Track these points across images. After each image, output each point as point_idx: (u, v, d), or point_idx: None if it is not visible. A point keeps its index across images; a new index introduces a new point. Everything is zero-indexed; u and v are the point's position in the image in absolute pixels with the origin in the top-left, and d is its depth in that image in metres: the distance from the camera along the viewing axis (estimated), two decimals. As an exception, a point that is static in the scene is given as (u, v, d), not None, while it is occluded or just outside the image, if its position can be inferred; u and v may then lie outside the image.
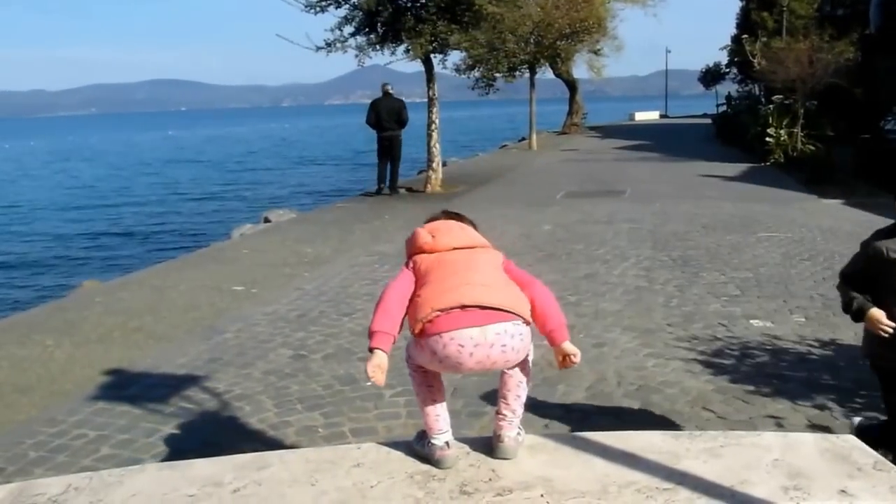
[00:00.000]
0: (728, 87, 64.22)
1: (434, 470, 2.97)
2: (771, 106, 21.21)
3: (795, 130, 19.85)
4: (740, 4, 49.56)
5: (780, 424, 4.70)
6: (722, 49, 48.95)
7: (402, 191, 17.60)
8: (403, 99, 17.44)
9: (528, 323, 2.98)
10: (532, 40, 27.31)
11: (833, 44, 19.44)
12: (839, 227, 11.43)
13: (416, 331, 3.02)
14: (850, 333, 6.43)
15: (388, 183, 17.31)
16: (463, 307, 2.92)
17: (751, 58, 24.62)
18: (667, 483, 2.85)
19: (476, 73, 27.99)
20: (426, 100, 17.55)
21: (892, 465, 3.28)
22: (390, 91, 16.97)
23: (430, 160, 17.71)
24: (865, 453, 3.30)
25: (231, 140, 79.69)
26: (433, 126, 17.55)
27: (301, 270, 9.61)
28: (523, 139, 35.39)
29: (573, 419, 4.86)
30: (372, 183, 18.21)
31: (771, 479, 2.91)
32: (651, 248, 10.05)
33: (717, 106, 38.84)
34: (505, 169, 22.39)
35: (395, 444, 3.25)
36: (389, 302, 3.11)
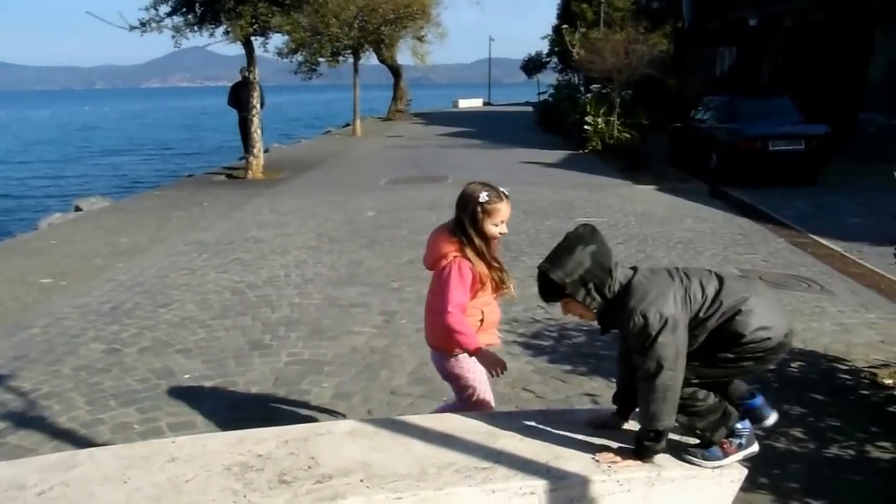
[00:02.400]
0: (549, 76, 66.51)
1: (252, 461, 2.91)
2: (589, 95, 22.06)
3: (612, 119, 20.76)
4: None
5: (595, 402, 4.92)
6: (543, 38, 50.41)
7: (223, 177, 17.21)
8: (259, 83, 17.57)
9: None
10: (356, 25, 27.17)
11: (648, 35, 20.38)
12: (652, 211, 12.06)
13: None
14: (657, 312, 6.82)
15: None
16: None
17: (570, 48, 25.49)
18: (485, 462, 2.93)
19: (299, 57, 27.55)
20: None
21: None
22: (247, 75, 17.30)
23: (251, 145, 17.30)
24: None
25: (29, 125, 73.92)
26: (254, 111, 17.16)
27: (115, 261, 9.18)
28: (347, 125, 35.19)
29: (398, 404, 4.91)
30: (189, 170, 17.67)
31: (583, 453, 3.04)
32: (473, 233, 10.23)
33: (539, 94, 39.96)
34: (329, 155, 22.22)
35: (211, 437, 3.17)
36: None
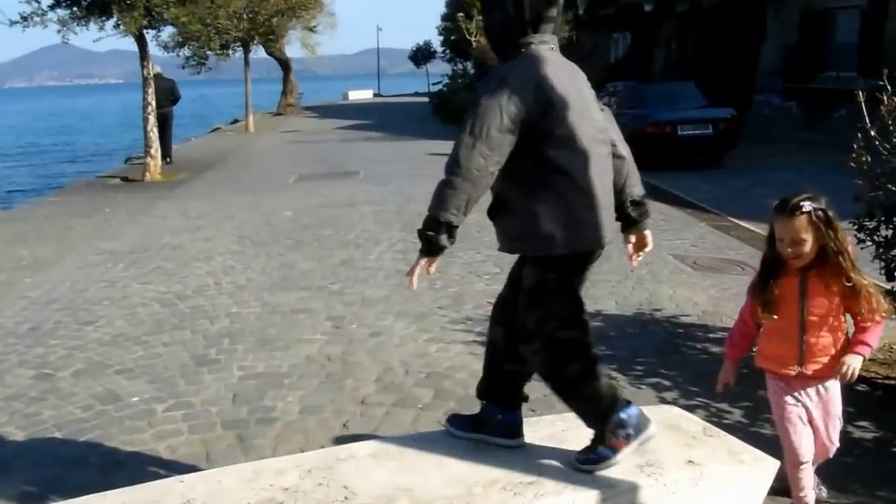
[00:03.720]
0: (438, 66, 66.52)
1: (279, 496, 2.63)
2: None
3: (512, 108, 20.72)
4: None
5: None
6: (438, 27, 50.27)
7: (118, 180, 16.51)
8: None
9: None
10: (245, 16, 26.29)
11: None
12: (569, 199, 12.04)
13: None
14: (612, 303, 6.76)
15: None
16: None
17: (468, 35, 25.39)
18: (528, 476, 2.79)
19: (186, 51, 26.49)
20: (141, 80, 16.35)
21: (717, 429, 3.40)
22: (160, 72, 17.74)
23: (147, 146, 16.55)
24: (692, 421, 3.40)
25: None
26: (149, 108, 16.44)
27: (20, 276, 8.55)
28: (236, 121, 34.31)
29: (374, 415, 4.65)
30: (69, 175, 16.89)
31: (628, 457, 2.91)
32: (401, 229, 10.00)
33: (433, 85, 39.88)
34: (226, 153, 21.53)
35: (221, 472, 2.87)
36: None
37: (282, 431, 4.44)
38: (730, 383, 3.63)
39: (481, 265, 8.14)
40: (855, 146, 4.94)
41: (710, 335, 5.91)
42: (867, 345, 3.22)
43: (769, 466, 3.07)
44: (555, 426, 3.22)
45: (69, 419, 4.74)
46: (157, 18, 15.67)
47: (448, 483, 2.71)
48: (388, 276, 7.82)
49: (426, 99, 43.39)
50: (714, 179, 13.91)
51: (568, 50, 22.02)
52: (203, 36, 24.42)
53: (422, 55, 67.80)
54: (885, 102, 4.71)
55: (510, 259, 7.99)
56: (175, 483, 2.76)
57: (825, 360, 3.27)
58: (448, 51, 57.19)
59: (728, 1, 22.16)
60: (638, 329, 6.08)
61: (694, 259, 8.32)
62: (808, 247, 3.18)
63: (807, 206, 3.15)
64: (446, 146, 15.07)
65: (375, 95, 64.45)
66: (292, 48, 40.31)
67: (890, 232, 4.83)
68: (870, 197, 4.82)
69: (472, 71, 43.71)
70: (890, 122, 4.73)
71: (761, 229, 9.75)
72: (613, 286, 7.26)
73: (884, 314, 3.20)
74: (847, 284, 3.17)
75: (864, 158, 4.78)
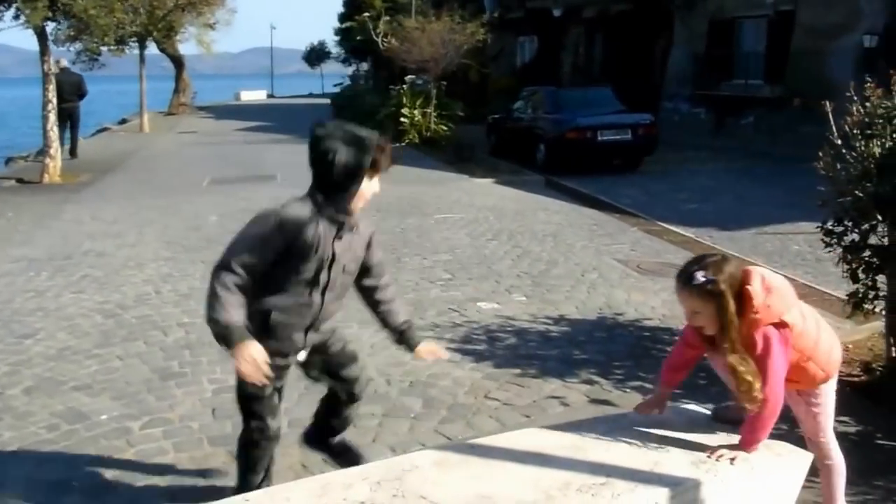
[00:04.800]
0: (332, 67, 65.97)
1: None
2: (404, 86, 21.84)
3: (429, 111, 20.67)
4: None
5: (565, 404, 4.76)
6: (344, 25, 49.69)
7: (13, 182, 15.68)
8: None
9: None
10: (143, 10, 25.30)
11: (466, 25, 20.36)
12: (503, 205, 12.08)
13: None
14: (572, 308, 6.77)
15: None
16: None
17: (374, 36, 25.16)
18: (598, 477, 2.80)
19: (78, 46, 25.33)
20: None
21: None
22: (67, 66, 17.69)
23: (46, 146, 15.73)
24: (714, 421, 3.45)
25: None
26: (49, 106, 15.61)
27: (-68, 286, 7.98)
28: (124, 121, 33.12)
29: (367, 426, 4.51)
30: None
31: (671, 454, 2.97)
32: (337, 234, 9.80)
33: (335, 86, 39.48)
34: (125, 154, 20.65)
35: (285, 489, 2.71)
36: None
37: (286, 444, 4.23)
38: (658, 411, 3.39)
39: (431, 271, 8.04)
40: (821, 153, 5.09)
41: (677, 338, 5.94)
42: (747, 442, 3.02)
43: (804, 458, 3.16)
44: (593, 429, 3.18)
45: (35, 440, 4.42)
46: (62, 10, 14.90)
47: (523, 488, 2.64)
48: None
49: (325, 101, 42.96)
50: (634, 184, 14.18)
51: (477, 53, 22.13)
52: (96, 30, 23.49)
53: (316, 56, 67.22)
54: (854, 112, 4.85)
55: (459, 265, 7.97)
56: (241, 502, 2.58)
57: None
58: (344, 52, 56.92)
59: (636, 8, 22.68)
60: (606, 333, 6.10)
61: (638, 263, 8.43)
62: (706, 319, 3.01)
63: (699, 277, 2.96)
64: None
65: (269, 96, 63.28)
66: (185, 45, 38.85)
67: (856, 236, 4.98)
68: (837, 203, 4.95)
69: (365, 72, 43.62)
70: (855, 130, 4.87)
71: (690, 233, 10.03)
72: (569, 291, 7.28)
73: (756, 406, 2.97)
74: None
75: (835, 166, 4.90)
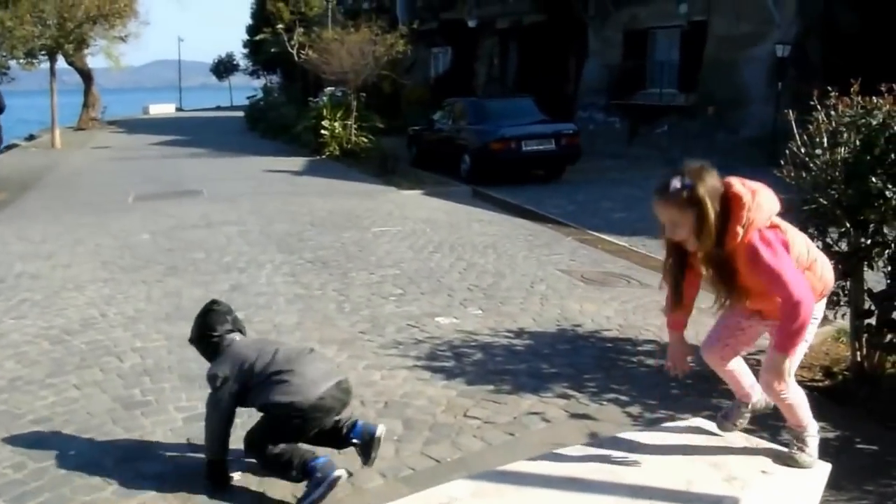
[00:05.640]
0: (240, 80, 65.10)
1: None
2: (324, 98, 21.70)
3: (350, 123, 20.58)
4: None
5: (546, 420, 4.79)
6: (251, 39, 49.04)
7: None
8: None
9: None
10: (53, 23, 24.50)
11: (385, 36, 20.34)
12: (436, 217, 12.12)
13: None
14: (530, 320, 6.83)
15: None
16: None
17: (288, 48, 24.89)
18: (640, 500, 2.84)
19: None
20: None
21: (758, 439, 3.54)
22: None
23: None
24: (735, 435, 3.52)
25: None
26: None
27: None
28: (32, 137, 32.05)
29: (347, 452, 4.42)
30: None
31: (706, 470, 3.05)
32: (278, 251, 9.68)
33: (247, 98, 38.87)
34: (41, 171, 19.97)
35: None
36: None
37: (264, 477, 4.16)
38: (690, 357, 3.69)
39: (380, 286, 8.00)
40: (782, 162, 5.28)
41: (640, 348, 6.10)
42: (783, 346, 3.13)
43: (823, 468, 3.29)
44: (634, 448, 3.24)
45: (3, 482, 4.22)
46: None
47: (661, 477, 2.76)
48: (290, 300, 7.54)
49: (237, 114, 42.34)
50: (559, 193, 14.39)
51: (393, 64, 22.13)
52: (4, 42, 22.71)
53: (224, 68, 66.20)
54: (821, 121, 5.04)
55: (408, 279, 7.98)
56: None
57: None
58: (253, 64, 56.21)
59: (549, 19, 23.03)
60: (569, 346, 6.18)
61: (581, 273, 8.56)
62: (686, 231, 3.06)
63: (675, 184, 3.00)
64: (281, 163, 15.26)
65: (178, 110, 61.97)
66: (92, 59, 37.54)
67: (820, 243, 5.15)
68: (803, 211, 5.12)
69: (275, 84, 43.15)
70: (819, 139, 5.06)
71: (623, 242, 10.24)
72: (522, 303, 7.35)
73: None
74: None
75: (801, 174, 5.08)
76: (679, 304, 3.49)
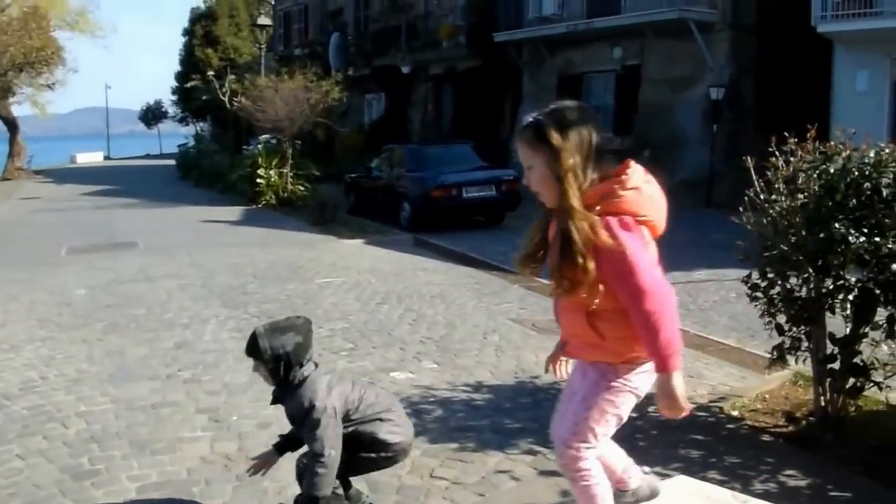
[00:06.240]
0: (169, 126, 64.44)
1: None
2: (259, 146, 21.53)
3: (285, 171, 20.41)
4: (183, 40, 50.06)
5: (515, 478, 4.70)
6: (181, 86, 48.64)
7: None
8: None
9: None
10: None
11: (320, 83, 20.31)
12: (380, 267, 12.01)
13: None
14: (487, 373, 6.76)
15: None
16: None
17: (221, 95, 24.72)
18: None
19: None
20: None
21: (745, 496, 3.50)
22: None
23: None
24: (718, 490, 3.49)
25: None
26: None
27: None
28: (-50, 188, 31.15)
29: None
30: None
31: None
32: (221, 305, 9.46)
33: (178, 146, 38.42)
34: (-35, 224, 19.40)
35: None
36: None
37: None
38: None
39: (331, 340, 7.85)
40: (741, 209, 5.34)
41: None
42: (661, 365, 2.65)
43: None
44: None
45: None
46: None
47: None
48: (238, 358, 7.29)
49: (168, 161, 41.78)
50: (501, 240, 14.37)
51: (328, 111, 22.10)
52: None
53: (153, 115, 65.47)
54: (780, 167, 5.12)
55: (358, 332, 7.86)
56: None
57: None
58: (182, 111, 55.72)
59: (483, 64, 23.29)
60: (530, 399, 6.10)
61: (532, 322, 8.54)
62: (537, 177, 2.67)
63: (526, 118, 2.67)
64: (217, 212, 15.01)
65: (106, 158, 60.84)
66: (17, 107, 36.74)
67: (780, 289, 5.22)
68: (764, 257, 5.18)
69: (205, 131, 42.81)
70: (777, 185, 5.13)
71: (572, 289, 10.25)
72: (477, 355, 7.27)
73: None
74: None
75: (761, 219, 5.14)
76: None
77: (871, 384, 4.99)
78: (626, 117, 19.74)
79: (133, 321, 8.80)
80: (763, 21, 18.76)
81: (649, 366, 2.72)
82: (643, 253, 2.58)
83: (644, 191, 2.66)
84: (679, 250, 10.74)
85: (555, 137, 2.56)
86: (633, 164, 2.69)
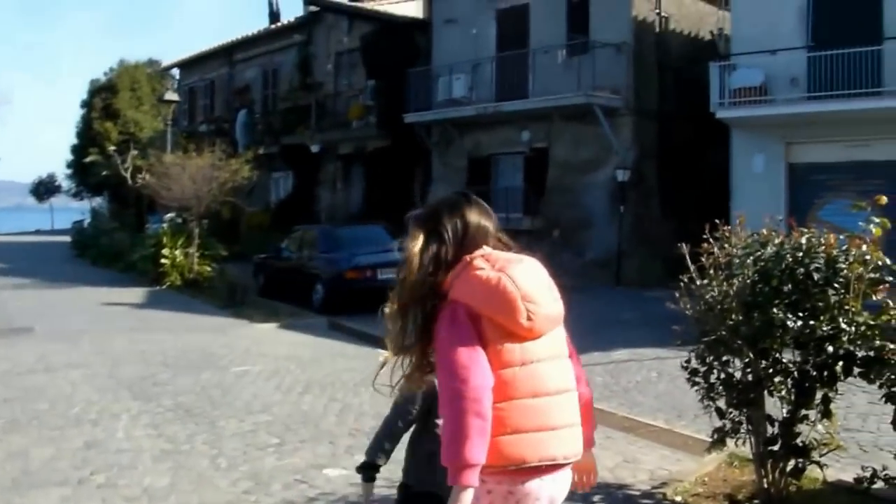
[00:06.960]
0: (62, 201, 62.45)
1: None
2: (164, 224, 20.95)
3: (191, 251, 19.86)
4: (81, 112, 48.96)
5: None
6: (77, 160, 47.30)
7: None
8: None
9: None
10: None
11: (229, 161, 19.99)
12: (298, 353, 11.67)
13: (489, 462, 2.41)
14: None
15: None
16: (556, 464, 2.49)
17: (122, 171, 24.05)
18: None
19: None
20: None
21: None
22: None
23: None
24: None
25: None
26: None
27: None
28: None
29: None
30: None
31: None
32: (132, 398, 8.94)
33: (74, 223, 37.15)
34: None
35: None
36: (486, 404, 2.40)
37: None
38: None
39: (254, 435, 7.47)
40: (677, 294, 5.35)
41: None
42: (452, 474, 2.43)
43: None
44: None
45: None
46: None
47: None
48: (156, 458, 6.88)
49: (61, 237, 40.32)
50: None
51: (237, 189, 21.75)
52: None
53: (45, 189, 63.39)
54: (715, 253, 5.16)
55: (284, 426, 7.53)
56: None
57: None
58: (76, 186, 54.14)
59: (393, 144, 23.39)
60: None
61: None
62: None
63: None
64: (119, 294, 14.40)
65: (-10, 233, 58.27)
66: None
67: (720, 374, 5.22)
68: (702, 342, 5.18)
69: (99, 208, 41.66)
70: (713, 271, 5.16)
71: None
72: (409, 448, 7.02)
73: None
74: None
75: (698, 304, 5.16)
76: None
77: (812, 463, 5.05)
78: (535, 198, 20.01)
79: (35, 417, 8.22)
80: (664, 107, 19.48)
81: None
82: (457, 348, 2.47)
83: (485, 279, 2.58)
84: (595, 329, 10.78)
85: (414, 235, 2.68)
86: (485, 250, 2.67)
